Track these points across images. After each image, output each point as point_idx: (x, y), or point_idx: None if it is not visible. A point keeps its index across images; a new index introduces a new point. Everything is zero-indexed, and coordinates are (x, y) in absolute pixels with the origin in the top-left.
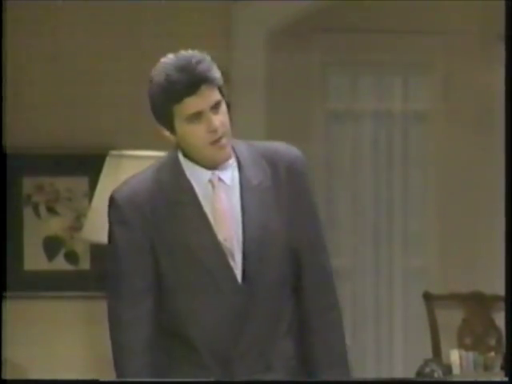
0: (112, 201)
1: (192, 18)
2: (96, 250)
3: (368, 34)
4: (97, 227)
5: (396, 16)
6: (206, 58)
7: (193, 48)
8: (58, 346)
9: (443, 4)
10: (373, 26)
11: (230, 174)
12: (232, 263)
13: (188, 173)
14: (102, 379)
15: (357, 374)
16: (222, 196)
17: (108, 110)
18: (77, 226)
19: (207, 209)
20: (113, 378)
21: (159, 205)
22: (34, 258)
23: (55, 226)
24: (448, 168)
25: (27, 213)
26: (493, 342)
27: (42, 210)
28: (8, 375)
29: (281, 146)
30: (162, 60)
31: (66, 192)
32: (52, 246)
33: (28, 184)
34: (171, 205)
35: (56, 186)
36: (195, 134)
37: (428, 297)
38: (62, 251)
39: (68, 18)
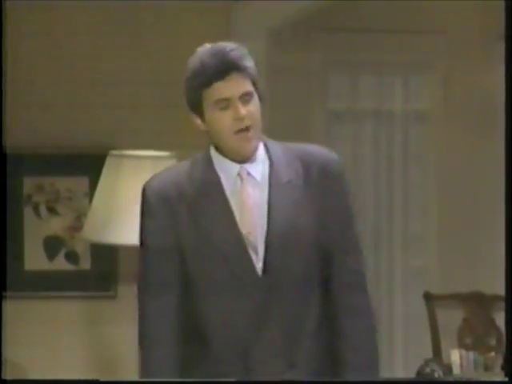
0: (142, 192)
1: (192, 18)
2: (96, 249)
3: (368, 34)
4: (97, 227)
5: (396, 16)
6: (242, 49)
7: (193, 48)
8: (58, 345)
9: (443, 4)
10: (373, 25)
11: (260, 170)
12: (254, 257)
13: (218, 166)
14: (102, 379)
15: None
16: (250, 190)
17: (108, 110)
18: (77, 225)
19: (234, 202)
20: (113, 378)
21: (186, 197)
22: (34, 258)
23: (55, 225)
24: (448, 168)
25: (27, 213)
26: (493, 341)
27: (43, 209)
28: (8, 375)
29: (316, 148)
30: (199, 49)
31: (67, 192)
32: (52, 245)
33: (28, 184)
34: (198, 197)
35: (56, 186)
36: (222, 121)
37: (428, 297)
38: (63, 251)
39: (68, 17)
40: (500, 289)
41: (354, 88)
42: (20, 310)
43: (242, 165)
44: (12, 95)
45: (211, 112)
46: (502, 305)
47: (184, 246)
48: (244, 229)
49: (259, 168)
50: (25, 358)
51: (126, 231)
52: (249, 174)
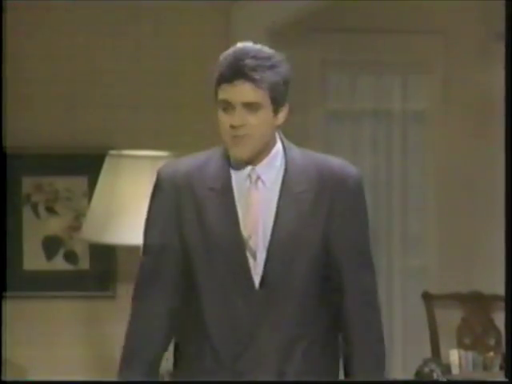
0: (157, 176)
1: (192, 18)
2: (95, 249)
3: (367, 34)
4: (96, 227)
5: (395, 16)
6: (268, 58)
7: (192, 48)
8: (58, 345)
9: (443, 4)
10: (372, 25)
11: (272, 176)
12: (252, 262)
13: (232, 163)
14: (101, 379)
15: None
16: (257, 194)
17: (107, 109)
18: (76, 225)
19: (240, 203)
20: (112, 377)
21: (194, 190)
22: (33, 258)
23: (54, 225)
24: (447, 168)
25: (26, 212)
26: (492, 341)
27: (41, 209)
28: (8, 375)
29: (337, 162)
30: (238, 43)
31: (66, 192)
32: (51, 245)
33: (27, 184)
34: (205, 191)
35: (55, 186)
36: (222, 122)
37: (427, 297)
38: (61, 251)
39: (67, 17)
40: (499, 289)
41: (352, 88)
42: (18, 309)
43: (253, 167)
44: (12, 95)
45: (218, 109)
46: (501, 305)
47: (186, 237)
48: (245, 232)
49: (272, 174)
50: (24, 358)
51: (125, 231)
52: (259, 177)
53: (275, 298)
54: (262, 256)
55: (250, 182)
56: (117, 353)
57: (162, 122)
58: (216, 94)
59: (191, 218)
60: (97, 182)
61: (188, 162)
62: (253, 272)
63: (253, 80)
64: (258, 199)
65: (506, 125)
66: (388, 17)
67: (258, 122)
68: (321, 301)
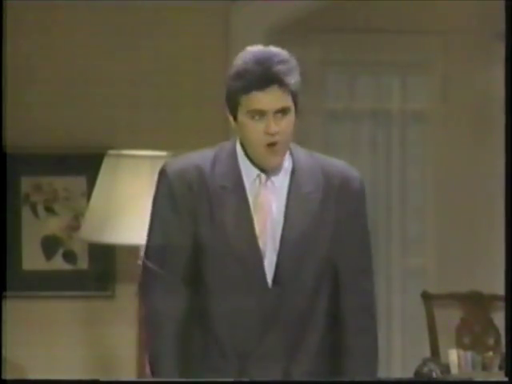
0: (162, 173)
1: (192, 18)
2: (94, 249)
3: (366, 34)
4: (95, 227)
5: (395, 16)
6: (290, 61)
7: (191, 48)
8: (57, 345)
9: (442, 3)
10: (371, 25)
11: (281, 177)
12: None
13: (241, 162)
14: (100, 379)
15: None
16: (267, 195)
17: (106, 109)
18: (75, 225)
19: (250, 200)
20: (111, 377)
21: (207, 185)
22: (32, 258)
23: (53, 225)
24: (447, 168)
25: (25, 212)
26: (491, 341)
27: (40, 209)
28: (8, 375)
29: (340, 164)
30: (248, 48)
31: (64, 191)
32: (50, 245)
33: (26, 183)
34: (218, 189)
35: (54, 186)
36: (253, 131)
37: (426, 296)
38: (60, 251)
39: (67, 17)
40: (498, 288)
41: (351, 88)
42: (17, 309)
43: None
44: (12, 95)
45: (244, 118)
46: (500, 304)
47: (198, 235)
48: (256, 228)
49: (280, 175)
50: (23, 358)
51: (124, 231)
52: (268, 178)
53: (287, 297)
54: (271, 255)
55: (260, 182)
56: (116, 352)
57: (162, 122)
58: (236, 102)
59: (204, 214)
60: (96, 181)
61: (197, 157)
62: (266, 272)
63: (286, 85)
64: (268, 199)
65: (505, 125)
66: (388, 17)
67: (289, 126)
68: (328, 300)
